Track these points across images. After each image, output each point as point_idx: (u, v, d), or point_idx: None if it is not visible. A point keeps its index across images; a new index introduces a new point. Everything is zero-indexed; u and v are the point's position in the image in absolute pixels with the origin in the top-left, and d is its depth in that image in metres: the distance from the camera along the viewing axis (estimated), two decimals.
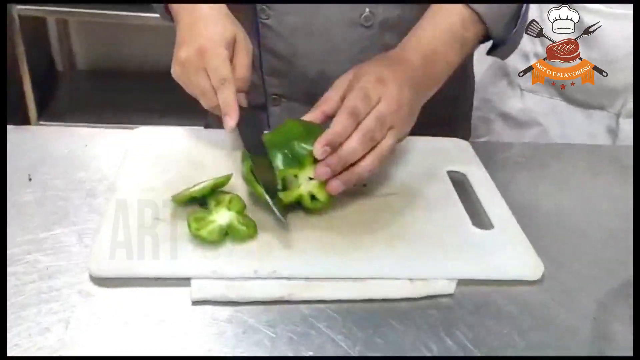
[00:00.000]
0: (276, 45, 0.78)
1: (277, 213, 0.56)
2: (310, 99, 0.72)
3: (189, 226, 0.55)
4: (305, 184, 0.59)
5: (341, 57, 0.76)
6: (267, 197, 0.56)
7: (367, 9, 0.73)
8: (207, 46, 0.64)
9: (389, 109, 0.59)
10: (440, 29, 0.67)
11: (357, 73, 0.63)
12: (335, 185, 0.58)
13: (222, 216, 0.56)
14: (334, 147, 0.57)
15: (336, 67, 0.77)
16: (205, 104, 0.66)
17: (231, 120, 0.64)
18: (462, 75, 0.87)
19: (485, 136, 1.10)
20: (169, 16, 0.74)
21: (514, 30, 0.70)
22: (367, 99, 0.59)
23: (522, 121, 1.07)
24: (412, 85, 0.62)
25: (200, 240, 0.54)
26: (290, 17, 0.75)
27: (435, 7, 0.69)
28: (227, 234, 0.55)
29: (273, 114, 0.83)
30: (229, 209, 0.57)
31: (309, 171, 0.58)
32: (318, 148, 0.57)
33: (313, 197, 0.59)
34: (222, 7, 0.69)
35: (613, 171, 0.75)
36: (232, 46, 0.67)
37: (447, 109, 0.83)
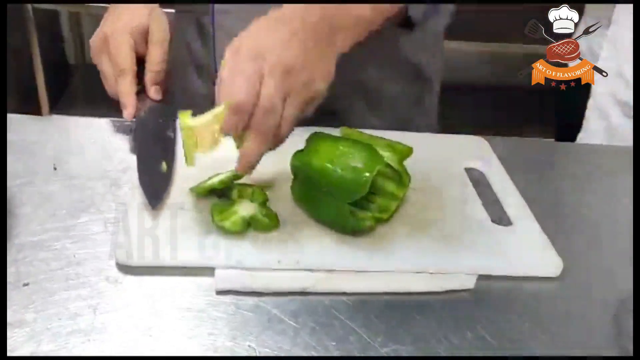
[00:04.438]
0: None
1: None
2: None
3: (212, 217, 0.55)
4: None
5: None
6: None
7: None
8: (110, 34, 0.66)
9: (273, 86, 0.52)
10: None
11: (234, 49, 0.55)
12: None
13: (244, 208, 0.57)
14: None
15: None
16: (107, 88, 0.68)
17: (126, 110, 0.66)
18: (419, 76, 0.85)
19: (602, 119, 1.05)
20: None
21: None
22: (274, 113, 0.53)
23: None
24: (304, 37, 0.55)
25: (224, 231, 0.55)
26: (228, 15, 0.71)
27: None
28: (249, 225, 0.56)
29: None
30: (252, 201, 0.58)
31: None
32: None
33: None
34: None
35: (631, 170, 0.75)
36: (142, 37, 0.67)
37: (410, 110, 0.84)
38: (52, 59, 2.01)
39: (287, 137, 0.56)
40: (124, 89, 0.66)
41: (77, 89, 2.08)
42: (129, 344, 0.45)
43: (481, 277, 0.54)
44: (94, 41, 0.68)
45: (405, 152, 0.61)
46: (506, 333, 0.50)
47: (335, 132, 0.62)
